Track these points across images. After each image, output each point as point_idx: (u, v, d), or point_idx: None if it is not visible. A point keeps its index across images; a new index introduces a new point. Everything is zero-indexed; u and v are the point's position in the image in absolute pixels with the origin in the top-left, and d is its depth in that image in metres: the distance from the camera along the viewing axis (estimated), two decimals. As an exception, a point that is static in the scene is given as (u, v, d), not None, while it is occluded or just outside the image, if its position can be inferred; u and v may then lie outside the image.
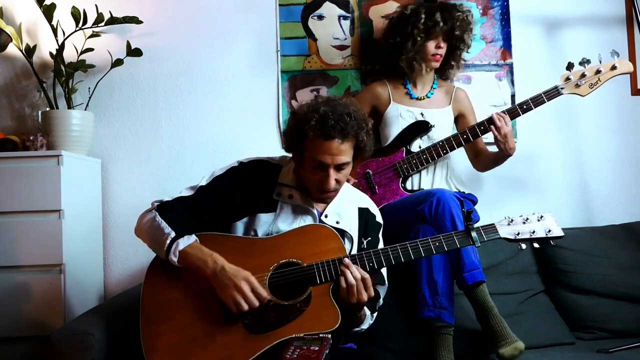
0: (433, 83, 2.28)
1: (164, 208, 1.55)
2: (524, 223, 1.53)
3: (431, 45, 2.16)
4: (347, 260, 1.47)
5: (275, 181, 1.62)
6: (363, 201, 1.73)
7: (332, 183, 1.52)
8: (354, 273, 1.45)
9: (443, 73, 2.30)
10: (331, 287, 1.48)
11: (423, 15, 2.15)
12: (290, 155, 1.67)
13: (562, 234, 1.53)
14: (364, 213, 1.70)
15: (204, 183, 1.60)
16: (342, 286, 1.45)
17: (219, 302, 1.48)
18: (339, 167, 1.52)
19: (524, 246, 1.53)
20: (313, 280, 1.47)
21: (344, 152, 1.50)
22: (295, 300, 1.46)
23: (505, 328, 1.70)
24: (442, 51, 2.17)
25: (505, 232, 1.52)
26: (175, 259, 1.47)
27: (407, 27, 2.17)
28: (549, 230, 1.51)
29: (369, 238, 1.68)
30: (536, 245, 1.54)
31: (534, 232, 1.51)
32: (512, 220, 1.53)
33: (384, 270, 1.69)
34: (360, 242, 1.66)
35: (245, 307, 1.41)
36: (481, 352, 1.85)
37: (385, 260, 1.50)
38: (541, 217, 1.54)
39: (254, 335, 1.44)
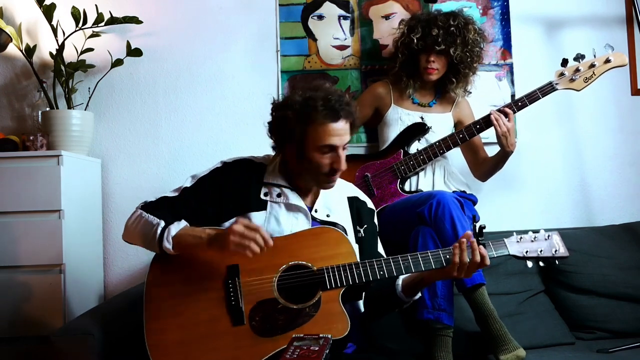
0: (435, 95, 2.28)
1: (149, 207, 1.54)
2: (532, 241, 1.54)
3: (422, 60, 2.17)
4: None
5: (260, 181, 1.60)
6: (350, 190, 1.73)
7: (344, 162, 1.53)
8: (464, 260, 1.45)
9: (448, 91, 2.25)
10: (341, 293, 1.46)
11: (405, 36, 2.18)
12: (271, 154, 1.67)
13: (567, 254, 1.54)
14: (353, 201, 1.69)
15: (188, 185, 1.58)
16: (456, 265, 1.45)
17: (226, 301, 1.46)
18: (342, 148, 1.54)
19: (530, 264, 1.54)
20: (323, 285, 1.46)
21: (347, 132, 1.53)
22: (304, 305, 1.45)
23: (506, 333, 1.70)
24: (436, 65, 2.14)
25: (514, 249, 1.53)
26: (169, 246, 1.44)
27: (398, 40, 2.24)
28: (556, 250, 1.53)
29: (365, 226, 1.67)
30: (542, 264, 1.55)
31: (541, 251, 1.53)
32: (520, 237, 1.54)
33: (380, 249, 1.71)
34: (356, 232, 1.65)
35: (251, 244, 1.37)
36: (481, 354, 1.85)
37: (396, 269, 1.48)
38: (549, 236, 1.55)
39: (262, 338, 1.42)
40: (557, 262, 1.55)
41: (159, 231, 1.46)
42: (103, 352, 1.59)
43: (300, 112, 1.50)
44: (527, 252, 1.52)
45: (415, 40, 2.13)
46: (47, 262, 2.04)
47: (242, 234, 1.38)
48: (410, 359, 1.78)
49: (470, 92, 2.31)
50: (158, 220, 1.48)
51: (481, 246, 1.46)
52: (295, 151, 1.55)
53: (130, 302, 1.84)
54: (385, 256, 1.65)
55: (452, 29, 2.10)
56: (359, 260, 1.52)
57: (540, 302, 2.13)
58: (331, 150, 1.51)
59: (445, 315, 1.77)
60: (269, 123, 1.62)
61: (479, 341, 1.83)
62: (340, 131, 1.50)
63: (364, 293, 1.61)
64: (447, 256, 1.48)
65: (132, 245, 2.36)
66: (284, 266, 1.48)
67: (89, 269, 2.30)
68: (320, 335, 1.32)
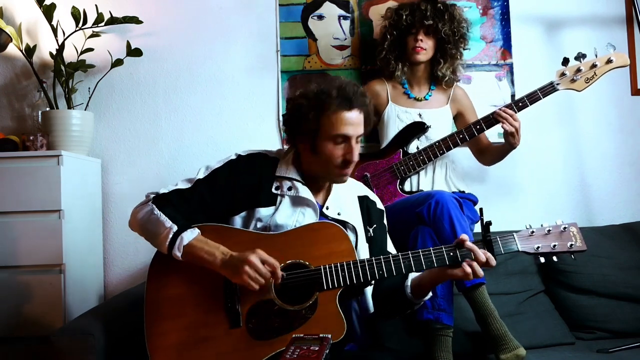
0: (430, 86, 2.29)
1: (161, 200, 1.52)
2: (546, 234, 1.43)
3: (410, 40, 2.18)
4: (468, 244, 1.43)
5: (273, 174, 1.59)
6: (360, 189, 1.73)
7: (357, 154, 1.52)
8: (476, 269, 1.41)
9: (436, 74, 2.25)
10: (338, 293, 1.44)
11: (394, 15, 2.21)
12: (283, 148, 1.67)
13: (585, 247, 1.42)
14: (364, 201, 1.68)
15: (201, 176, 1.57)
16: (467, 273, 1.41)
17: (223, 303, 1.46)
18: (356, 140, 1.53)
19: (542, 259, 1.44)
20: (320, 285, 1.44)
21: (361, 123, 1.52)
22: (300, 306, 1.43)
23: (506, 332, 1.70)
24: (424, 44, 2.16)
25: (524, 245, 1.42)
26: (179, 254, 1.44)
27: (384, 30, 2.25)
28: (572, 244, 1.41)
29: (375, 225, 1.66)
30: (555, 259, 1.44)
31: (554, 246, 1.42)
32: (533, 231, 1.44)
33: (391, 249, 1.69)
34: (366, 231, 1.64)
35: (262, 280, 1.38)
36: (481, 353, 1.85)
37: (396, 268, 1.45)
38: (564, 228, 1.43)
39: (259, 341, 1.42)
40: (573, 256, 1.43)
41: (170, 236, 1.45)
42: (103, 352, 1.59)
43: (314, 100, 1.50)
44: (538, 247, 1.42)
45: (404, 17, 2.15)
46: (47, 262, 2.04)
47: (257, 269, 1.39)
48: (410, 357, 1.78)
49: (459, 80, 2.33)
50: (171, 223, 1.46)
51: (482, 250, 1.42)
52: (309, 143, 1.54)
53: (131, 302, 1.84)
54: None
55: (439, 5, 2.15)
56: (357, 257, 1.51)
57: (540, 302, 2.13)
58: (344, 141, 1.50)
59: (445, 315, 1.77)
60: (283, 115, 1.64)
61: (479, 341, 1.83)
62: (354, 120, 1.50)
63: (366, 290, 1.60)
64: (451, 253, 1.44)
65: (132, 245, 2.43)
66: (281, 265, 1.46)
67: (89, 269, 2.30)
68: (321, 335, 1.32)
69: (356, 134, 1.51)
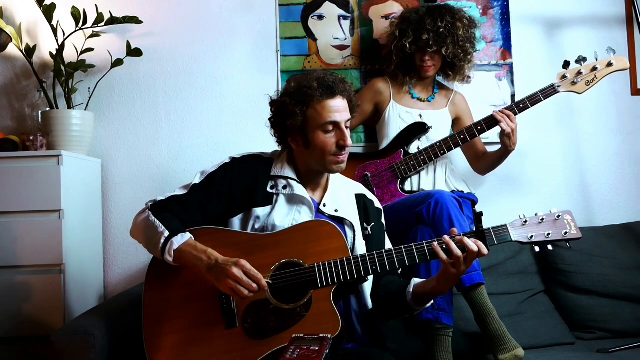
0: (434, 89, 2.30)
1: (158, 207, 1.55)
2: (539, 223, 1.42)
3: (417, 59, 2.20)
4: (446, 238, 1.41)
5: (268, 174, 1.61)
6: (358, 188, 1.74)
7: (349, 139, 1.54)
8: (455, 252, 1.39)
9: (447, 84, 2.30)
10: (333, 290, 1.45)
11: (398, 42, 2.19)
12: (279, 149, 1.69)
13: (580, 235, 1.41)
14: (361, 198, 1.69)
15: (197, 181, 1.59)
16: (447, 262, 1.39)
17: (219, 303, 1.47)
18: (345, 125, 1.55)
19: (537, 249, 1.44)
20: (314, 283, 1.45)
21: (346, 108, 1.56)
22: (295, 305, 1.44)
23: (504, 333, 1.70)
24: (431, 62, 2.18)
25: (517, 235, 1.41)
26: (170, 259, 1.46)
27: (392, 43, 2.24)
28: (566, 232, 1.40)
29: (373, 224, 1.66)
30: (550, 247, 1.42)
31: (549, 234, 1.41)
32: (526, 221, 1.43)
33: (388, 244, 1.69)
34: (364, 229, 1.64)
35: (244, 292, 1.38)
36: (480, 353, 1.85)
37: (389, 263, 1.46)
38: (558, 216, 1.42)
39: (255, 341, 1.43)
40: (568, 244, 1.43)
41: (162, 241, 1.46)
42: (103, 352, 1.60)
43: (297, 95, 1.54)
44: (532, 236, 1.41)
45: (407, 45, 2.17)
46: (47, 262, 2.04)
47: (240, 280, 1.38)
48: (410, 357, 1.78)
49: (470, 78, 2.33)
50: (163, 228, 1.48)
51: (473, 239, 1.40)
52: (300, 140, 1.57)
53: (131, 302, 1.84)
54: None
55: (441, 30, 2.12)
56: (354, 254, 1.51)
57: (540, 302, 2.13)
58: (335, 128, 1.53)
59: (445, 315, 1.77)
60: (270, 119, 1.65)
61: (479, 341, 1.83)
62: (339, 107, 1.53)
63: (364, 287, 1.60)
64: (444, 246, 1.42)
65: (132, 245, 2.43)
66: (276, 264, 1.47)
67: (89, 269, 2.30)
68: (321, 335, 1.32)
69: (343, 119, 1.54)
